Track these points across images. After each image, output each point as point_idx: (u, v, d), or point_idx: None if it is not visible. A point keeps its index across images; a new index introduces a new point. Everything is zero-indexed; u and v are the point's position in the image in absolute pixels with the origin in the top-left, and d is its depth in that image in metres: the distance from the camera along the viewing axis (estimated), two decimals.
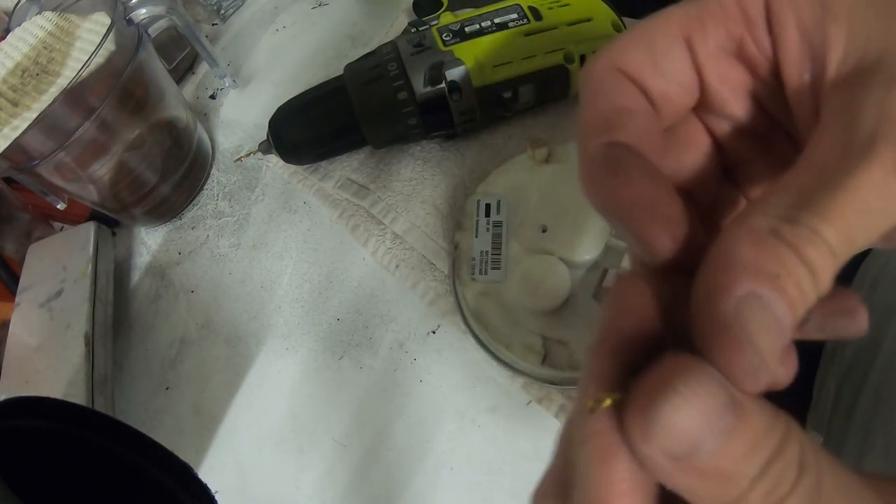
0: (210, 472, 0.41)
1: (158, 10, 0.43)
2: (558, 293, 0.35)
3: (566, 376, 0.35)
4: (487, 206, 0.39)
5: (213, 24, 0.61)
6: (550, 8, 0.40)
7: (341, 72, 0.43)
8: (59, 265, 0.46)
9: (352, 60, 0.42)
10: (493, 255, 0.37)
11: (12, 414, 0.26)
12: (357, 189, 0.46)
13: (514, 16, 0.39)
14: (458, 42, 0.38)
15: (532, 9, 0.39)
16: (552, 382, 0.37)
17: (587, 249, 0.35)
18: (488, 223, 0.39)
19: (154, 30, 0.44)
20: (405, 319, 0.42)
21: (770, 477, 0.10)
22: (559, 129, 0.46)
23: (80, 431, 0.27)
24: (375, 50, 0.41)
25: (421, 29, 0.40)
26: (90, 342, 0.42)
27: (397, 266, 0.43)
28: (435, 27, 0.40)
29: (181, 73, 0.58)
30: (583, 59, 0.39)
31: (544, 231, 0.36)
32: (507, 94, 0.39)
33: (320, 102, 0.43)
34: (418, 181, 0.45)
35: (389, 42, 0.41)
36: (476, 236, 0.38)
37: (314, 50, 0.56)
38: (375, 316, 0.43)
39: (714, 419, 0.10)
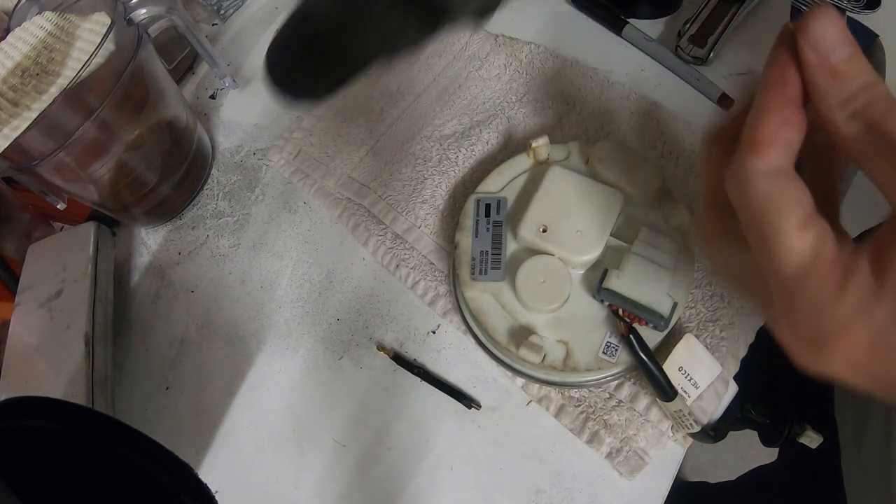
0: (210, 472, 0.41)
1: (158, 10, 0.43)
2: (558, 293, 0.35)
3: (566, 376, 0.35)
4: (487, 206, 0.39)
5: (213, 24, 0.61)
6: None
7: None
8: (59, 265, 0.46)
9: None
10: (493, 255, 0.37)
11: (12, 414, 0.26)
12: (358, 188, 0.46)
13: None
14: None
15: None
16: (552, 382, 0.37)
17: (587, 249, 0.35)
18: (488, 223, 0.39)
19: (154, 30, 0.44)
20: (405, 319, 0.42)
21: (871, 88, 0.17)
22: (557, 130, 0.46)
23: (80, 431, 0.27)
24: None
25: None
26: (90, 342, 0.42)
27: (397, 266, 0.43)
28: None
29: (181, 73, 0.58)
30: None
31: (544, 231, 0.36)
32: None
33: (294, 23, 0.31)
34: (418, 181, 0.45)
35: None
36: (476, 236, 0.38)
37: None
38: (375, 316, 0.43)
39: (842, 40, 0.17)
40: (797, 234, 0.18)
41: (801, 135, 0.18)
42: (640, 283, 0.34)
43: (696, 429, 0.34)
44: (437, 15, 0.28)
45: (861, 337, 0.17)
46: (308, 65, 0.32)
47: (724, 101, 0.45)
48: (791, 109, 0.18)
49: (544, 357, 0.34)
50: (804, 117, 0.19)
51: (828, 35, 0.17)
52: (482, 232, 0.38)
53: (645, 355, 0.33)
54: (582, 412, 0.37)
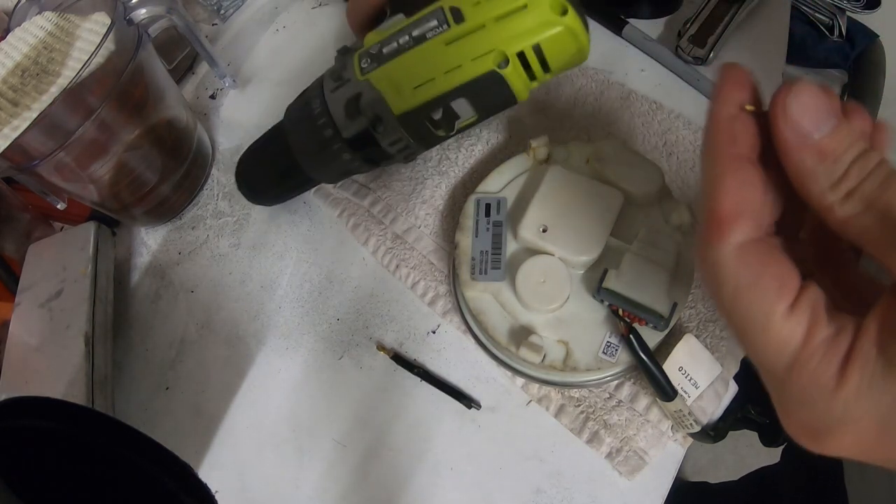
0: (210, 472, 0.41)
1: (158, 10, 0.43)
2: (558, 293, 0.35)
3: (566, 376, 0.35)
4: (487, 206, 0.39)
5: (213, 24, 0.61)
6: (477, 3, 0.33)
7: None
8: (59, 265, 0.46)
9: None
10: (493, 255, 0.37)
11: (12, 414, 0.26)
12: (357, 188, 0.46)
13: (434, 23, 0.33)
14: (376, 67, 0.35)
15: (453, 10, 0.33)
16: (552, 382, 0.37)
17: (587, 249, 0.35)
18: (488, 223, 0.39)
19: (154, 30, 0.44)
20: (405, 319, 0.42)
21: (862, 160, 0.16)
22: (557, 130, 0.46)
23: (80, 431, 0.27)
24: (309, 86, 0.39)
25: (344, 56, 0.38)
26: (90, 342, 0.42)
27: (397, 266, 0.43)
28: (357, 52, 0.36)
29: (181, 73, 0.58)
30: (523, 57, 0.32)
31: (544, 231, 0.36)
32: (437, 115, 0.36)
33: (266, 146, 0.43)
34: (418, 181, 0.45)
35: (320, 76, 0.39)
36: (476, 236, 0.38)
37: (314, 50, 0.56)
38: (375, 316, 0.43)
39: (824, 112, 0.16)
40: (783, 322, 0.16)
41: (765, 194, 0.17)
42: (639, 283, 0.34)
43: (696, 429, 0.34)
44: (378, 157, 0.39)
45: (867, 427, 0.15)
46: (269, 180, 0.44)
47: None
48: (747, 169, 0.16)
49: (544, 357, 0.34)
50: (763, 174, 0.17)
51: (809, 112, 0.16)
52: (482, 232, 0.38)
53: (645, 355, 0.33)
54: (582, 412, 0.37)
